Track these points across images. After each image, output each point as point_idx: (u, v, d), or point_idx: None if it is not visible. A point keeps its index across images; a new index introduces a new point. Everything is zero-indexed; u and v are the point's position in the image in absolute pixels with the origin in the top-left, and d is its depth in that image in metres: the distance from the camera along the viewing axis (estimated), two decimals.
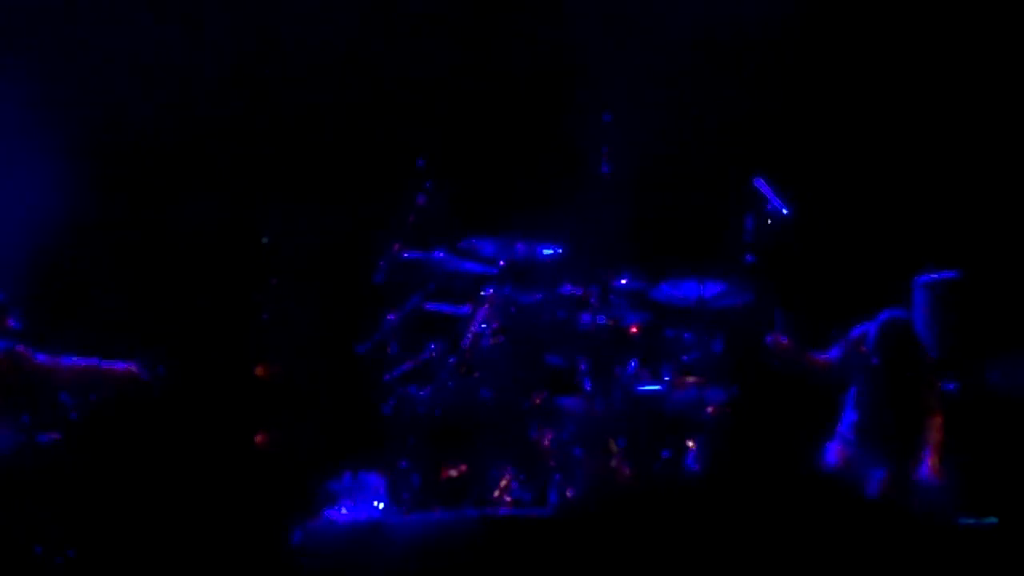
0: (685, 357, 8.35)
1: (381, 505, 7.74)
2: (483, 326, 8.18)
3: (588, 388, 8.21)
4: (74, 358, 7.48)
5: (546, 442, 7.95)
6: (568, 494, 7.77)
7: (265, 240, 8.93)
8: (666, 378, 8.29)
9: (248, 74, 9.54)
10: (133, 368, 7.50)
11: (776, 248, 8.35)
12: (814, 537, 6.30)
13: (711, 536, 7.30)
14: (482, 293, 8.34)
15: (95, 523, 7.32)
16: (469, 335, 8.16)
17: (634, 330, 8.40)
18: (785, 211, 8.28)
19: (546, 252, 8.47)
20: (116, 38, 9.40)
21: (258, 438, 8.22)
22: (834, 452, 8.00)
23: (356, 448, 8.05)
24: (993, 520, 7.05)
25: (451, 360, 8.13)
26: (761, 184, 8.35)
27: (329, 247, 9.44)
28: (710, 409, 8.28)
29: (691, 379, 8.30)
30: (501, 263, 8.43)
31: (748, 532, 7.22)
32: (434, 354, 8.25)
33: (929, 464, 7.64)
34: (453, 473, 7.85)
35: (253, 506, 7.63)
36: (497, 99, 9.61)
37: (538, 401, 8.09)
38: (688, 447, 8.23)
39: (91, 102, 9.36)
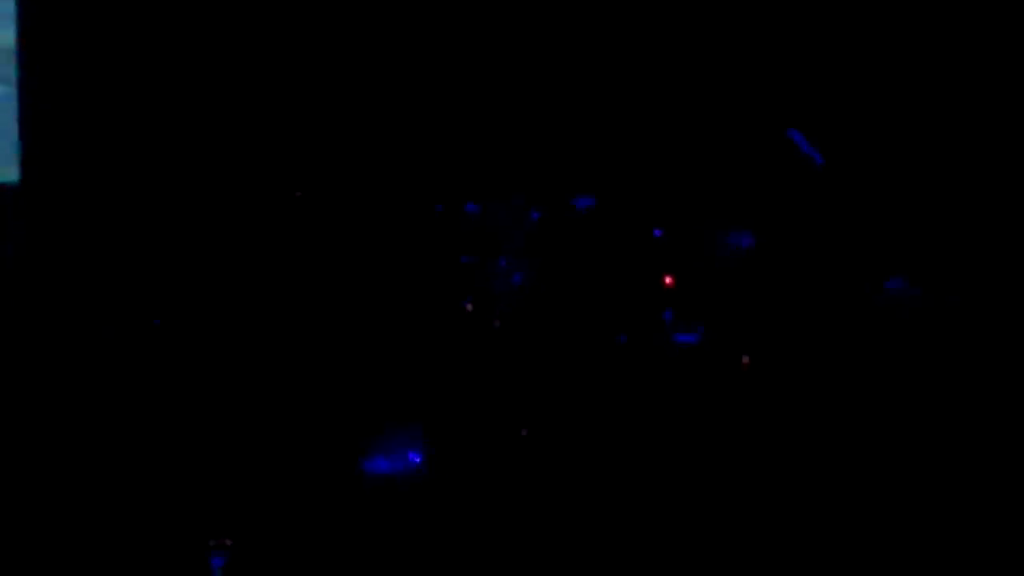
0: (718, 308, 8.38)
1: (417, 458, 7.79)
2: (516, 276, 8.26)
3: (624, 340, 8.26)
4: None
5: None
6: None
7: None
8: (700, 329, 8.34)
9: (301, 74, 9.55)
10: None
11: (810, 199, 8.35)
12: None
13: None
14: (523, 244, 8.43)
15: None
16: (502, 283, 8.26)
17: (669, 281, 8.45)
18: (819, 160, 8.28)
19: (580, 204, 8.52)
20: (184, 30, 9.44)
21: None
22: None
23: (392, 402, 8.10)
24: None
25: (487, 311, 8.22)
26: (795, 134, 8.35)
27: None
28: (745, 360, 8.31)
29: (725, 330, 8.34)
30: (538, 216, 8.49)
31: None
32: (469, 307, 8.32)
33: None
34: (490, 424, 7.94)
35: (289, 460, 7.69)
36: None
37: (569, 358, 8.16)
38: (724, 398, 8.26)
39: (145, 97, 9.39)
